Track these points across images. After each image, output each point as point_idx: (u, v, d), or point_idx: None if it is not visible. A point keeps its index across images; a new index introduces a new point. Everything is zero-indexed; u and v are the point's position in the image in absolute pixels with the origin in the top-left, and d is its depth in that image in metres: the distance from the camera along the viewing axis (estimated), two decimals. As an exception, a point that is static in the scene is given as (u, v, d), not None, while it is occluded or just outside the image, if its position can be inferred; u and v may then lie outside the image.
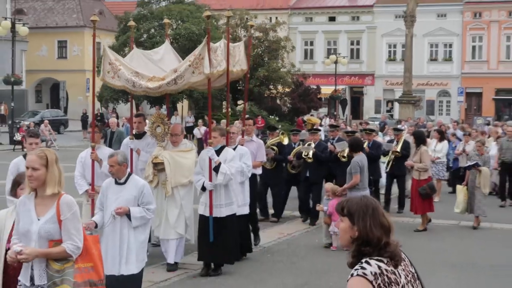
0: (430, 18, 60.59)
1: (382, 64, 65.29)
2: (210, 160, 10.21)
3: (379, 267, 3.49)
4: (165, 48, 12.27)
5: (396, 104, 51.32)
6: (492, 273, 11.38)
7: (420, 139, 15.90)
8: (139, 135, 11.83)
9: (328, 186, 13.73)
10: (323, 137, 20.55)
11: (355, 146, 13.96)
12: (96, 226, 7.85)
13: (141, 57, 11.67)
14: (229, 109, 42.87)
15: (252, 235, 12.55)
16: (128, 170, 8.16)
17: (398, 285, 3.52)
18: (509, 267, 11.82)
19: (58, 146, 34.53)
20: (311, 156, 15.06)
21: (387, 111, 60.12)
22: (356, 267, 3.53)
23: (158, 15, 44.98)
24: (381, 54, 65.38)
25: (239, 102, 47.21)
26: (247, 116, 14.68)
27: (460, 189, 15.64)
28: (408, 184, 17.39)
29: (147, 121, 12.43)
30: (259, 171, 13.46)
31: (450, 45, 63.56)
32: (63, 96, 55.56)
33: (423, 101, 59.14)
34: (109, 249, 7.75)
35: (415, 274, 3.77)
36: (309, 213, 15.65)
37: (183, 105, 47.25)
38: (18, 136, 33.50)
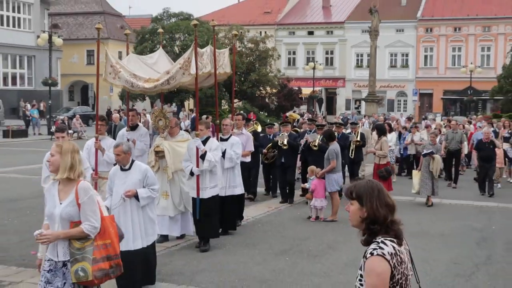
0: (390, 32, 60.66)
1: (351, 70, 65.20)
2: (197, 149, 9.75)
3: (394, 247, 3.29)
4: (159, 53, 11.80)
5: (363, 103, 51.46)
6: (442, 240, 11.42)
7: (381, 131, 15.95)
8: (133, 127, 11.43)
9: (310, 168, 13.63)
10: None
11: (329, 137, 13.96)
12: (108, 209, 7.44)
13: (137, 61, 11.16)
14: (226, 106, 42.70)
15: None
16: (131, 157, 7.80)
17: (405, 264, 3.36)
18: (455, 235, 11.87)
19: (87, 136, 34.35)
20: (286, 143, 14.77)
21: (356, 108, 60.24)
22: (374, 246, 3.29)
23: (168, 29, 44.68)
24: (351, 62, 65.29)
25: (236, 101, 47.17)
26: (241, 112, 14.40)
27: (415, 173, 15.75)
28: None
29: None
30: (248, 159, 13.13)
31: (407, 55, 63.52)
32: (91, 96, 55.34)
33: (384, 100, 59.19)
34: (121, 228, 7.45)
35: (409, 252, 3.60)
36: (291, 192, 15.38)
37: (189, 103, 47.10)
38: (54, 128, 33.40)
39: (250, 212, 13.58)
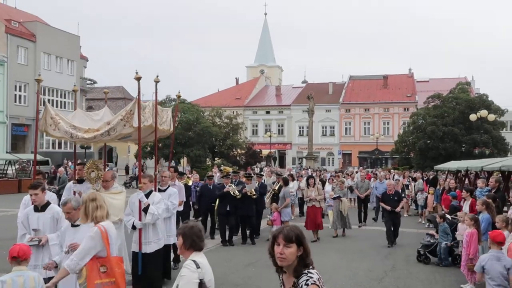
0: (322, 112, 61.57)
1: (296, 137, 65.52)
2: (139, 202, 7.17)
3: (317, 273, 2.95)
4: (104, 111, 8.65)
5: (304, 160, 51.61)
6: (360, 254, 11.37)
7: (312, 180, 14.08)
8: (81, 180, 8.59)
9: (273, 205, 13.13)
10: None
11: (285, 181, 13.86)
12: (56, 266, 5.22)
13: (82, 116, 8.29)
14: (209, 163, 41.82)
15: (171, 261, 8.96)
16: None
17: (322, 279, 2.98)
18: (369, 251, 11.83)
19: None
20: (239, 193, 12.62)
21: (299, 163, 60.38)
22: (306, 277, 2.92)
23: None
24: (295, 132, 65.69)
25: (216, 158, 46.94)
26: (173, 165, 11.52)
27: (330, 213, 14.82)
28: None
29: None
30: (180, 208, 10.37)
31: (333, 127, 64.20)
32: (115, 155, 54.74)
33: (318, 158, 59.49)
34: (67, 280, 4.99)
35: None
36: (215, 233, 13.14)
37: (184, 160, 46.66)
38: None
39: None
